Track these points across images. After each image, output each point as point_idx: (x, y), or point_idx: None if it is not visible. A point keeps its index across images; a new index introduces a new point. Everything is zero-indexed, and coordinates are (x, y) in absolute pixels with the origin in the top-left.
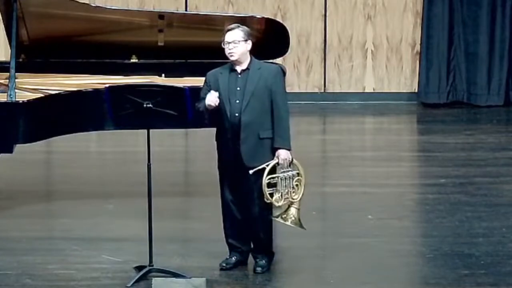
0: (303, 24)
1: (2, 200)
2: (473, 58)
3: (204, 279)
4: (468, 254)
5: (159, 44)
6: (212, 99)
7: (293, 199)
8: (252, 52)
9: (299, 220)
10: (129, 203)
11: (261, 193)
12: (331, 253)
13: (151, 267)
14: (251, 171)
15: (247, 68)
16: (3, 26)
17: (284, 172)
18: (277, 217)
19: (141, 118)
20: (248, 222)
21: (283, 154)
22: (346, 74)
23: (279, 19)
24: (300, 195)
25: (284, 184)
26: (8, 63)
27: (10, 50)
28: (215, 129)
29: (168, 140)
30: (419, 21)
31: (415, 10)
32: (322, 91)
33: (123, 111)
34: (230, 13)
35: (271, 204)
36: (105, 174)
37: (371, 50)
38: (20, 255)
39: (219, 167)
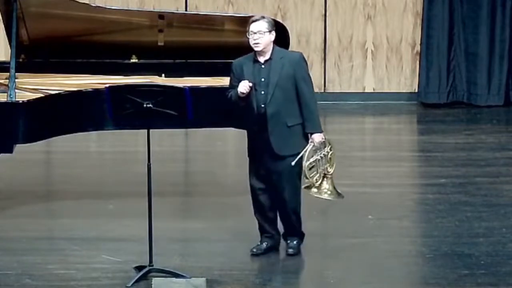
0: (303, 24)
1: (2, 200)
2: (473, 58)
3: (204, 279)
4: (468, 254)
5: (159, 44)
6: (244, 85)
7: (328, 172)
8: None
9: (334, 188)
10: (129, 203)
11: (290, 178)
12: (331, 253)
13: (151, 267)
14: (293, 163)
15: (270, 58)
16: (3, 26)
17: (321, 153)
18: (313, 192)
19: (141, 118)
20: (278, 207)
21: (317, 137)
22: (346, 74)
23: (279, 19)
24: (334, 167)
25: (323, 163)
26: (8, 63)
27: (10, 50)
28: (215, 129)
29: (168, 140)
30: (419, 21)
31: (415, 10)
32: (322, 91)
33: (123, 111)
34: (230, 13)
35: (300, 187)
36: (105, 174)
37: (371, 50)
38: (20, 255)
39: (249, 156)
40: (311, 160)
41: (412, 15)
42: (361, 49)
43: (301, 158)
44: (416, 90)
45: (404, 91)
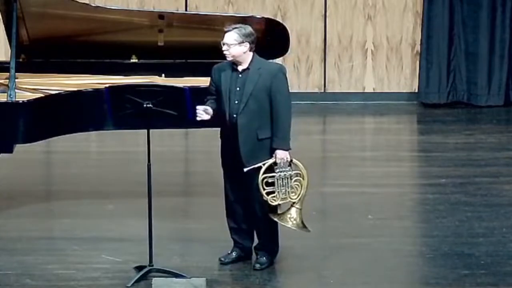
0: (303, 24)
1: (2, 200)
2: (473, 58)
3: (204, 279)
4: (468, 254)
5: (159, 44)
6: (200, 114)
7: (292, 199)
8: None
9: (302, 222)
10: (129, 203)
11: (258, 190)
12: (331, 253)
13: (151, 267)
14: (245, 169)
15: (248, 68)
16: (3, 26)
17: (281, 171)
18: (276, 217)
19: (141, 118)
20: (251, 218)
21: (280, 154)
22: (346, 74)
23: (279, 19)
24: (300, 196)
25: (282, 184)
26: (8, 63)
27: (10, 50)
28: (215, 129)
29: (168, 140)
30: (419, 21)
31: (415, 10)
32: (322, 91)
33: (123, 111)
34: (230, 13)
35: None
36: (105, 174)
37: (371, 50)
38: (20, 255)
39: (222, 165)
40: (268, 175)
41: (412, 15)
42: (361, 49)
43: (259, 170)
44: (416, 90)
45: (404, 91)
